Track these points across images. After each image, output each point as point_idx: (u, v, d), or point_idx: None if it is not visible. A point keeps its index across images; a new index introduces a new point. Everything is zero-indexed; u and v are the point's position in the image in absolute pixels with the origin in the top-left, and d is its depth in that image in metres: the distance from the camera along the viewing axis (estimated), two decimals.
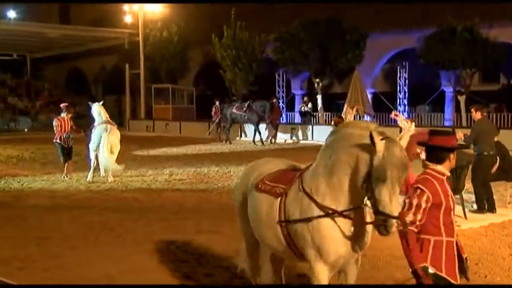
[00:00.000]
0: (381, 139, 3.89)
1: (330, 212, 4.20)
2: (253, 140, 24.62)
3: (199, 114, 35.97)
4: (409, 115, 28.21)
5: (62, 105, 15.40)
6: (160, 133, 32.23)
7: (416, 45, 26.90)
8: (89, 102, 16.31)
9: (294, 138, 26.83)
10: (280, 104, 31.78)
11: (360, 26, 28.06)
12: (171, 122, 33.78)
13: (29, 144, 23.84)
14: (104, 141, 14.03)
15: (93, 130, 14.72)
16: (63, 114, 14.73)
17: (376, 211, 3.93)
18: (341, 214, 4.19)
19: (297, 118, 32.59)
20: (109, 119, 14.91)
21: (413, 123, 12.24)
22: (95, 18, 43.21)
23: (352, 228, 4.25)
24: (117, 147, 14.36)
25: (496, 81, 30.18)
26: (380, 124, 27.37)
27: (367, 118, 28.07)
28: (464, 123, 26.01)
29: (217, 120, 27.46)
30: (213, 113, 28.07)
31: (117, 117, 39.89)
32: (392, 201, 3.86)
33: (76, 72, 46.52)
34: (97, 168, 14.43)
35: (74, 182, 13.98)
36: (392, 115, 12.74)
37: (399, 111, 28.97)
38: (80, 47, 40.00)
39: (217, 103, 27.83)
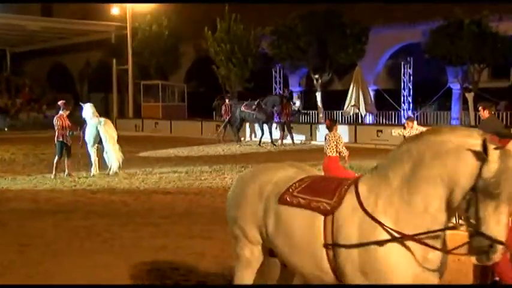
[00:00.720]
0: (495, 148, 3.42)
1: (401, 236, 3.60)
2: (260, 142, 24.59)
3: (191, 112, 35.97)
4: (413, 113, 28.28)
5: (60, 102, 16.03)
6: (150, 133, 32.21)
7: (422, 40, 26.92)
8: (80, 103, 16.96)
9: (304, 139, 26.59)
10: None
11: (361, 19, 28.07)
12: (161, 120, 33.77)
13: (9, 145, 23.76)
14: (104, 135, 15.08)
15: (86, 128, 15.54)
16: (61, 112, 15.35)
17: (477, 232, 3.43)
18: (420, 241, 3.60)
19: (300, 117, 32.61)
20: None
21: (415, 122, 12.27)
22: (79, 10, 43.06)
23: (431, 257, 3.65)
24: (115, 138, 15.40)
25: (506, 77, 30.18)
26: (383, 123, 27.46)
27: (369, 117, 28.19)
28: (472, 122, 26.05)
29: (227, 120, 26.90)
30: (223, 112, 27.69)
31: (103, 116, 39.93)
32: (500, 223, 3.39)
33: (59, 68, 46.41)
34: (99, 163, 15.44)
35: (58, 183, 13.99)
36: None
37: (403, 110, 29.12)
38: (64, 41, 39.94)
39: (227, 101, 27.42)
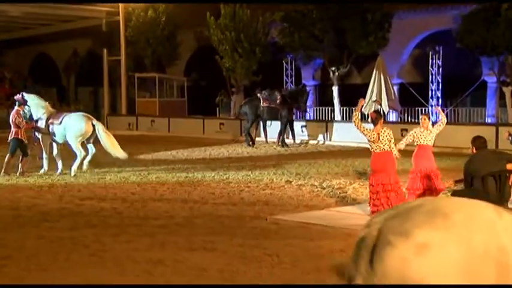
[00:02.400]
0: None
1: None
2: (283, 142, 24.56)
3: (191, 109, 36.02)
4: (443, 110, 28.15)
5: (16, 96, 17.03)
6: (145, 131, 32.28)
7: (452, 27, 26.86)
8: (23, 93, 17.58)
9: (321, 138, 26.56)
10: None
11: (383, 4, 28.03)
12: (158, 118, 33.85)
13: None
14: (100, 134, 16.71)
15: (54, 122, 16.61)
16: (17, 107, 16.33)
17: None
18: None
19: (309, 114, 32.62)
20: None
21: (426, 119, 12.19)
22: None
23: None
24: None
25: None
26: (408, 121, 27.40)
27: (392, 114, 28.12)
28: (510, 120, 25.98)
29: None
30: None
31: (92, 112, 40.12)
32: None
33: (43, 59, 46.64)
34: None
35: (44, 191, 14.03)
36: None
37: (431, 106, 29.01)
38: (48, 29, 40.02)
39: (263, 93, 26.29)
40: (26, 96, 17.16)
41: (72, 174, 16.10)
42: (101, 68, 37.65)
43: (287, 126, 24.97)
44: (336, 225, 9.98)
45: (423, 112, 27.05)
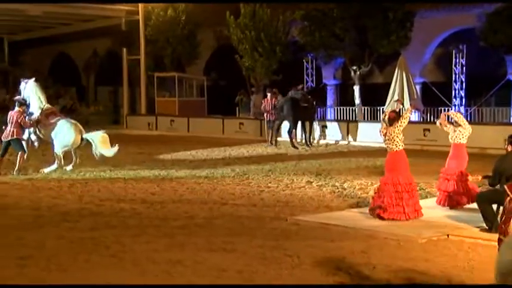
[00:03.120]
0: None
1: None
2: (309, 141, 24.52)
3: (211, 108, 36.08)
4: (466, 110, 28.02)
5: (16, 97, 17.78)
6: (165, 131, 32.39)
7: (476, 25, 26.69)
8: (22, 80, 18.36)
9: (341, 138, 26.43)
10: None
11: (405, 2, 27.91)
12: (178, 118, 33.92)
13: None
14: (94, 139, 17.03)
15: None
16: (18, 108, 16.76)
17: None
18: None
19: (329, 114, 32.57)
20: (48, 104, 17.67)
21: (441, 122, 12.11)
22: None
23: None
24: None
25: None
26: (431, 121, 27.22)
27: (414, 113, 27.98)
28: None
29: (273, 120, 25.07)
30: (264, 109, 25.95)
31: (112, 112, 40.39)
32: None
33: (63, 58, 46.97)
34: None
35: (64, 191, 14.15)
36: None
37: (454, 106, 28.84)
38: (68, 28, 40.27)
39: (269, 96, 25.61)
40: (30, 84, 17.63)
41: (43, 173, 16.61)
42: (121, 68, 37.81)
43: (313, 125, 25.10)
44: (357, 226, 9.97)
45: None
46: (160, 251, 8.74)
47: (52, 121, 17.29)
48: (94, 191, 13.99)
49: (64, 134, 17.09)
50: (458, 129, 11.69)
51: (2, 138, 16.82)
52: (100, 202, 12.64)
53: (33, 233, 9.94)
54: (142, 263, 8.14)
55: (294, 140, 23.97)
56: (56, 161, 17.12)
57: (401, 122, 10.65)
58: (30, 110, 17.36)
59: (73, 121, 17.68)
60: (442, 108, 29.07)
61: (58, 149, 17.04)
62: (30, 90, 17.63)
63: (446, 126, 12.01)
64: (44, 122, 17.31)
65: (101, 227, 10.29)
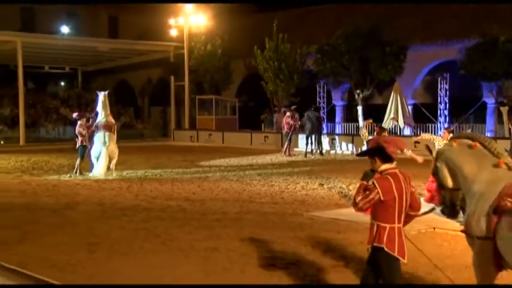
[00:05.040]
0: None
1: None
2: (322, 151, 24.01)
3: (241, 124, 36.14)
4: (449, 126, 27.73)
5: (74, 115, 18.07)
6: (204, 143, 32.46)
7: (457, 57, 26.49)
8: (97, 92, 18.08)
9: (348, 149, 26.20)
10: (322, 114, 31.53)
11: (399, 38, 27.80)
12: (214, 132, 33.96)
13: None
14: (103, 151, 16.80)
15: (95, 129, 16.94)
16: (80, 122, 16.94)
17: None
18: None
19: (338, 128, 32.44)
20: (109, 115, 17.37)
21: (446, 133, 11.94)
22: (141, 31, 44.00)
23: None
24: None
25: None
26: (421, 135, 26.98)
27: (407, 129, 27.78)
28: (506, 134, 25.39)
29: (291, 132, 23.99)
30: (284, 124, 24.47)
31: (162, 127, 40.61)
32: None
33: (123, 84, 47.31)
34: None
35: (123, 190, 14.25)
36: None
37: (439, 123, 28.58)
38: (127, 60, 40.66)
39: (288, 113, 24.13)
40: (101, 96, 17.49)
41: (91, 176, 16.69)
42: (169, 91, 38.00)
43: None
44: (360, 221, 9.85)
45: (445, 127, 26.62)
46: (200, 240, 8.77)
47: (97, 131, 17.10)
48: (147, 190, 14.06)
49: (95, 142, 17.05)
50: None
51: (76, 146, 17.05)
52: (152, 199, 12.72)
53: (99, 224, 10.05)
54: (185, 250, 8.18)
55: (307, 150, 23.85)
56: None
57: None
58: (99, 117, 17.32)
59: (107, 134, 17.04)
60: (430, 125, 28.94)
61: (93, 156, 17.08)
62: (100, 101, 17.58)
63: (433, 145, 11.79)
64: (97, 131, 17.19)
65: (153, 220, 10.35)
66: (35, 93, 40.76)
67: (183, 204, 12.10)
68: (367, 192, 4.95)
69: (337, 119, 33.32)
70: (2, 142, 31.59)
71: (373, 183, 4.97)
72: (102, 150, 16.86)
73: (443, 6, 30.91)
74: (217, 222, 10.11)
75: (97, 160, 16.93)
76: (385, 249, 4.96)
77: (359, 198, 4.98)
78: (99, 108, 17.50)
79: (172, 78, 37.48)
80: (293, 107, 25.12)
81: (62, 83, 46.16)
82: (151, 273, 7.07)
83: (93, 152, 16.99)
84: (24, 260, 7.38)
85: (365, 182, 5.11)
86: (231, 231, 9.29)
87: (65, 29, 43.88)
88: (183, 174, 17.29)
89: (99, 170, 16.78)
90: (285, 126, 24.21)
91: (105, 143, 16.84)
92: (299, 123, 24.27)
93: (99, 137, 16.97)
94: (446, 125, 27.94)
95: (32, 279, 3.97)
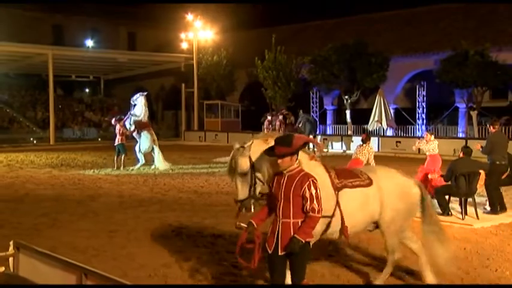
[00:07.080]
0: None
1: None
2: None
3: (244, 126, 36.15)
4: (426, 128, 27.74)
5: (115, 120, 17.85)
6: (211, 142, 32.49)
7: (434, 67, 26.52)
8: (139, 93, 18.28)
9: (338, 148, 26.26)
10: (314, 117, 31.50)
11: (383, 50, 27.83)
12: (220, 133, 33.98)
13: (102, 152, 24.34)
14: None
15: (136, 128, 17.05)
16: (119, 123, 17.29)
17: None
18: None
19: (329, 130, 32.42)
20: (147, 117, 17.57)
21: (432, 136, 11.88)
22: (156, 45, 44.06)
23: None
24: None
25: (504, 98, 29.56)
26: (401, 136, 27.06)
27: (389, 130, 27.78)
28: (476, 135, 25.49)
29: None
30: (277, 127, 24.41)
31: (173, 128, 40.64)
32: None
33: (140, 91, 47.19)
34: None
35: (140, 184, 14.24)
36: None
37: (418, 125, 28.55)
38: (144, 70, 40.69)
39: (281, 117, 24.45)
40: (139, 97, 17.68)
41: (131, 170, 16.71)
42: (180, 97, 38.05)
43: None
44: None
45: (427, 129, 26.66)
46: (207, 227, 8.77)
47: (139, 131, 17.17)
48: (161, 184, 14.05)
49: (143, 142, 17.16)
50: (429, 145, 11.41)
51: (114, 144, 17.22)
52: (165, 192, 12.73)
53: (118, 213, 10.06)
54: (194, 236, 8.18)
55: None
56: (140, 161, 17.30)
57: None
58: (139, 116, 17.35)
59: (151, 133, 17.38)
60: (409, 126, 28.93)
61: (138, 153, 17.21)
62: (141, 102, 17.57)
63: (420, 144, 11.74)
64: (135, 130, 17.23)
65: (166, 210, 10.35)
66: (63, 99, 40.90)
67: (192, 196, 12.10)
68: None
69: (328, 121, 33.30)
70: (34, 141, 31.67)
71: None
72: (155, 146, 17.00)
73: (420, 23, 31.09)
74: (222, 212, 10.09)
75: (143, 155, 17.03)
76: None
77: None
78: (140, 108, 17.35)
79: (183, 85, 37.51)
80: (285, 112, 25.35)
81: (87, 90, 46.14)
82: (165, 256, 7.06)
83: (142, 148, 16.96)
84: (54, 245, 7.38)
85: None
86: (234, 220, 9.24)
87: (89, 43, 43.92)
88: (193, 170, 17.29)
89: (161, 163, 16.96)
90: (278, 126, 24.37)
91: (154, 140, 17.08)
92: (295, 126, 24.22)
93: (147, 134, 16.96)
94: (424, 127, 27.98)
95: (62, 262, 3.96)
